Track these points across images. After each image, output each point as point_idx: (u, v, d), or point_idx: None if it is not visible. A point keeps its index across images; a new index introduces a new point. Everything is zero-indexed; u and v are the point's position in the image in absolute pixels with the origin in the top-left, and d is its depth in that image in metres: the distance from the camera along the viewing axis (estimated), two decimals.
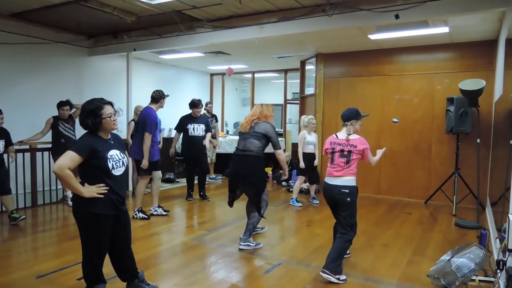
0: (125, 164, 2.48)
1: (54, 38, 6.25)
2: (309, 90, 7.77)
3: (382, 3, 4.32)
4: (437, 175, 6.03)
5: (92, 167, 2.33)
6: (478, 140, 4.91)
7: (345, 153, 3.20)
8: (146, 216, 4.82)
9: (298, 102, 8.24)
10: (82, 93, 6.72)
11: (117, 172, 2.40)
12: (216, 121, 7.84)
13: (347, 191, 3.15)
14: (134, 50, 6.36)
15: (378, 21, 4.50)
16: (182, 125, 5.92)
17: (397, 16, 4.25)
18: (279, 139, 8.68)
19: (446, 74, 6.05)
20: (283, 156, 3.97)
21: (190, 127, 5.86)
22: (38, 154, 5.55)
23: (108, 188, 2.35)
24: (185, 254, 3.66)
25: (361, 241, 4.06)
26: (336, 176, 3.18)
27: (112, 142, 2.45)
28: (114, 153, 2.39)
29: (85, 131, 2.43)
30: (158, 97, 4.84)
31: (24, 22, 5.71)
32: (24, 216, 4.62)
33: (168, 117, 8.20)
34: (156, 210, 5.01)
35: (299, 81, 8.05)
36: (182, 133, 5.97)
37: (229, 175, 3.99)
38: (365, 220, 4.94)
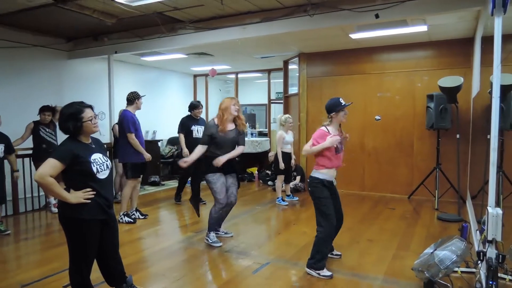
0: (109, 167, 2.46)
1: (32, 41, 6.12)
2: (293, 90, 7.83)
3: (363, 3, 4.39)
4: (419, 170, 6.16)
5: (76, 173, 2.30)
6: (458, 136, 5.05)
7: None
8: (131, 220, 4.78)
9: (282, 101, 8.28)
10: (62, 97, 6.58)
11: (102, 175, 2.37)
12: None
13: (309, 181, 3.21)
14: (116, 52, 6.28)
15: (359, 21, 4.57)
16: (186, 126, 5.72)
17: (377, 16, 4.33)
18: (265, 139, 8.77)
19: (426, 72, 6.20)
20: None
21: (195, 128, 5.70)
22: (19, 160, 5.39)
23: (95, 192, 2.32)
24: (173, 256, 3.65)
25: (347, 238, 4.12)
26: None
27: (93, 146, 2.43)
28: (97, 156, 2.37)
29: (66, 136, 2.39)
30: (132, 98, 4.83)
31: None
32: (9, 231, 4.42)
33: (152, 119, 8.13)
34: (133, 214, 4.97)
35: (282, 80, 8.10)
36: (185, 135, 5.75)
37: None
38: (350, 217, 5.01)
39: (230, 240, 4.14)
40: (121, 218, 4.74)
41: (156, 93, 8.74)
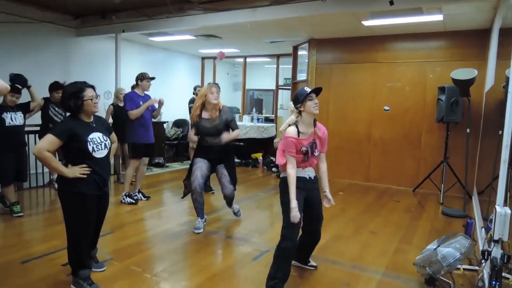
0: (108, 147, 2.51)
1: (40, 17, 6.03)
2: (301, 76, 7.70)
3: None
4: (426, 163, 6.07)
5: (73, 150, 2.39)
6: (468, 130, 4.93)
7: None
8: (133, 201, 4.78)
9: (290, 88, 8.17)
10: (69, 74, 6.54)
11: (99, 154, 2.44)
12: None
13: (280, 181, 2.72)
14: (123, 31, 6.18)
15: (373, 7, 4.44)
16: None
17: (391, 3, 4.17)
18: (271, 124, 8.69)
19: (438, 63, 6.04)
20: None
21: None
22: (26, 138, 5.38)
23: (91, 169, 2.40)
24: (174, 240, 3.65)
25: (350, 229, 4.09)
26: None
27: (95, 125, 2.48)
28: (95, 135, 2.43)
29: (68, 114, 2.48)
30: (136, 79, 4.79)
31: (7, 0, 5.49)
32: (22, 214, 4.23)
33: None
34: (136, 195, 4.96)
35: (291, 66, 7.97)
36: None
37: None
38: (354, 207, 4.98)
39: (231, 226, 4.13)
40: (123, 199, 4.75)
41: (163, 74, 8.66)
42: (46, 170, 5.66)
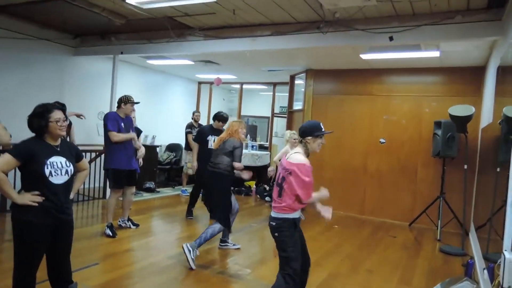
0: (69, 174, 2.34)
1: (38, 34, 6.01)
2: (297, 105, 7.71)
3: (377, 24, 4.30)
4: (422, 197, 6.00)
5: (29, 172, 2.24)
6: (466, 166, 4.90)
7: (280, 180, 2.50)
8: (110, 234, 4.32)
9: (285, 116, 8.16)
10: (64, 93, 6.47)
11: (56, 180, 2.27)
12: None
13: (273, 224, 2.51)
14: (121, 53, 6.17)
15: (372, 42, 4.47)
16: (202, 136, 5.36)
17: (391, 38, 4.23)
18: (265, 152, 8.61)
19: (434, 98, 6.08)
20: (238, 164, 4.01)
21: (211, 139, 5.30)
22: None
23: (43, 197, 2.23)
24: (161, 274, 3.45)
25: (346, 266, 3.93)
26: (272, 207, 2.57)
27: (59, 149, 2.33)
28: (56, 160, 2.28)
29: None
30: (119, 102, 4.49)
31: (6, 15, 5.44)
32: None
33: (152, 124, 7.98)
34: (125, 223, 4.73)
35: (287, 94, 7.99)
36: (200, 145, 5.38)
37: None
38: (349, 243, 4.84)
39: (223, 260, 3.95)
40: (106, 230, 4.40)
41: (158, 97, 8.61)
42: None
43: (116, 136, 4.30)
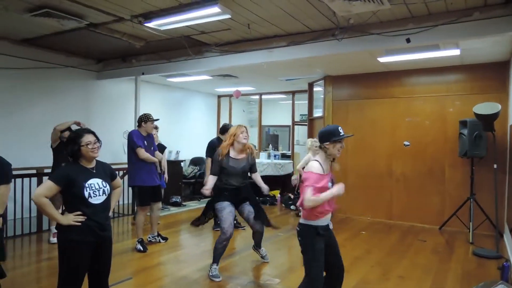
0: (107, 193, 2.49)
1: (64, 62, 6.32)
2: (317, 112, 7.70)
3: (393, 27, 4.27)
4: (451, 199, 5.84)
5: (70, 195, 2.40)
6: (495, 166, 4.74)
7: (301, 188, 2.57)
8: (142, 249, 4.47)
9: (306, 123, 8.16)
10: (90, 116, 6.73)
11: (96, 200, 2.42)
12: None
13: (298, 229, 2.58)
14: (143, 74, 6.38)
15: (389, 45, 4.44)
16: (213, 149, 5.50)
17: (408, 40, 4.19)
18: (288, 161, 8.60)
19: (458, 96, 5.95)
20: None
21: None
22: (18, 180, 4.93)
23: (85, 217, 2.37)
24: (192, 286, 3.51)
25: (376, 273, 3.88)
26: None
27: (95, 171, 2.48)
28: (94, 181, 2.42)
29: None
30: (139, 121, 4.62)
31: (34, 47, 5.78)
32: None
33: (175, 139, 8.18)
34: (154, 238, 4.85)
35: (306, 102, 8.00)
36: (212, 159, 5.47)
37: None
38: (378, 248, 4.76)
39: (251, 271, 3.98)
40: (137, 245, 4.55)
41: (180, 113, 8.82)
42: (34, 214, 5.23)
43: (144, 154, 4.45)
